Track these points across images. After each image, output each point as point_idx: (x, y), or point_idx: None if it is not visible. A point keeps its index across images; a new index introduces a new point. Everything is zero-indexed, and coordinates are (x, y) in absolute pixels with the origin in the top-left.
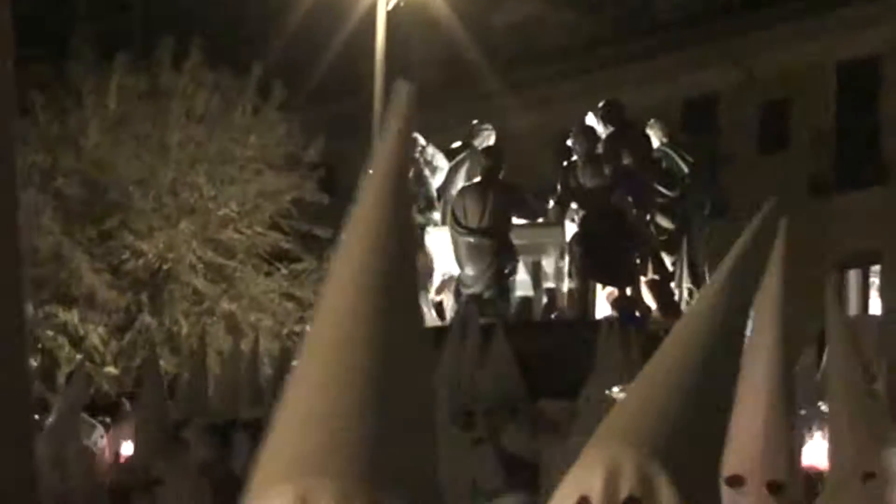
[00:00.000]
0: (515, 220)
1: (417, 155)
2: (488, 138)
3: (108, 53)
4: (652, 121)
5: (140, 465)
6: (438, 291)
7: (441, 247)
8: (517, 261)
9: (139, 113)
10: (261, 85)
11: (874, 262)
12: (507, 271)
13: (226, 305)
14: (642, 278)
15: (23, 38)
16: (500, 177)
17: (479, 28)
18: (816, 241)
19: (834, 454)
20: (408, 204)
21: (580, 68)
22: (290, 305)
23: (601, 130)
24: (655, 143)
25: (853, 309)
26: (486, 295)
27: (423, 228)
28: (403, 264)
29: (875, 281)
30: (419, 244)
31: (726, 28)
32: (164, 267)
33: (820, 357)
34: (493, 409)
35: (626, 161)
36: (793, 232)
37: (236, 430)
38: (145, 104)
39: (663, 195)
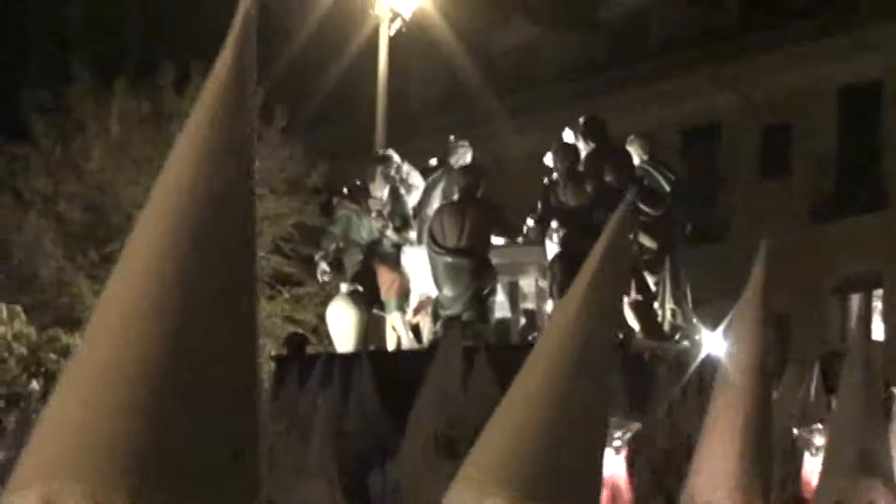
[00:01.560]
0: (494, 240)
1: (393, 173)
2: (464, 156)
3: (107, 77)
4: (632, 137)
5: None
6: (415, 313)
7: (418, 267)
8: (497, 281)
9: (140, 137)
10: (262, 109)
11: (876, 286)
12: (486, 292)
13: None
14: (625, 299)
15: (21, 63)
16: (479, 195)
17: (478, 52)
18: (818, 265)
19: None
20: (245, 142)
21: (579, 93)
22: (291, 329)
23: (582, 147)
24: (636, 160)
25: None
26: (465, 317)
27: (399, 248)
28: (228, 222)
29: (878, 305)
30: (255, 211)
31: (725, 52)
32: None
33: (825, 379)
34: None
35: (608, 178)
36: (794, 256)
37: None
38: (146, 128)
39: (646, 214)
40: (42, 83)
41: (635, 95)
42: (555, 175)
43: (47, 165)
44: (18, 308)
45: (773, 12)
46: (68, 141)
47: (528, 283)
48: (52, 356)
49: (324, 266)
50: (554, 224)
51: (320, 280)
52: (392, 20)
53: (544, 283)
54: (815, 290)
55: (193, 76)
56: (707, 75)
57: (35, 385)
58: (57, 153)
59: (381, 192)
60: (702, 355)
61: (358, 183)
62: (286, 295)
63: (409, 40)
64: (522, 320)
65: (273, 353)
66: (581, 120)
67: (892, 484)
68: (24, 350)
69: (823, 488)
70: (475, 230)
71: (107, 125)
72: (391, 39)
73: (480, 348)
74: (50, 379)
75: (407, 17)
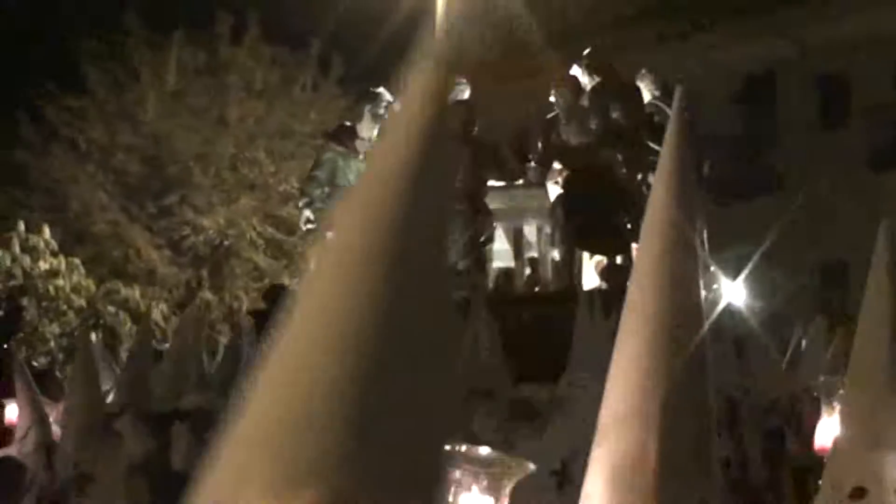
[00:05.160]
0: (492, 182)
1: (382, 111)
2: (462, 93)
3: (163, 27)
4: (643, 71)
5: (69, 459)
6: None
7: None
8: (494, 227)
9: (197, 87)
10: (319, 59)
11: None
12: (482, 239)
13: (286, 281)
14: (634, 246)
15: (76, 12)
16: (474, 133)
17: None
18: (876, 215)
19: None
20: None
21: (639, 40)
22: None
23: (586, 81)
24: (647, 96)
25: None
26: (460, 265)
27: None
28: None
29: None
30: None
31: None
32: (225, 243)
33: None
34: (468, 393)
35: (614, 115)
36: (851, 207)
37: (175, 420)
38: (203, 78)
39: (657, 153)
40: (97, 33)
41: (699, 42)
42: (556, 111)
43: (103, 116)
44: (77, 261)
45: None
46: (124, 91)
47: (530, 230)
48: (111, 309)
49: (307, 214)
50: (556, 165)
51: (303, 229)
52: None
53: (546, 230)
54: (874, 240)
55: (250, 26)
56: (767, 22)
57: (94, 337)
58: (112, 103)
59: (369, 132)
60: (720, 305)
61: (346, 123)
62: None
63: None
64: (527, 270)
65: None
66: (585, 51)
67: None
68: (82, 302)
69: (838, 464)
70: (471, 171)
71: (162, 75)
72: None
73: (475, 299)
74: (108, 331)
75: None
